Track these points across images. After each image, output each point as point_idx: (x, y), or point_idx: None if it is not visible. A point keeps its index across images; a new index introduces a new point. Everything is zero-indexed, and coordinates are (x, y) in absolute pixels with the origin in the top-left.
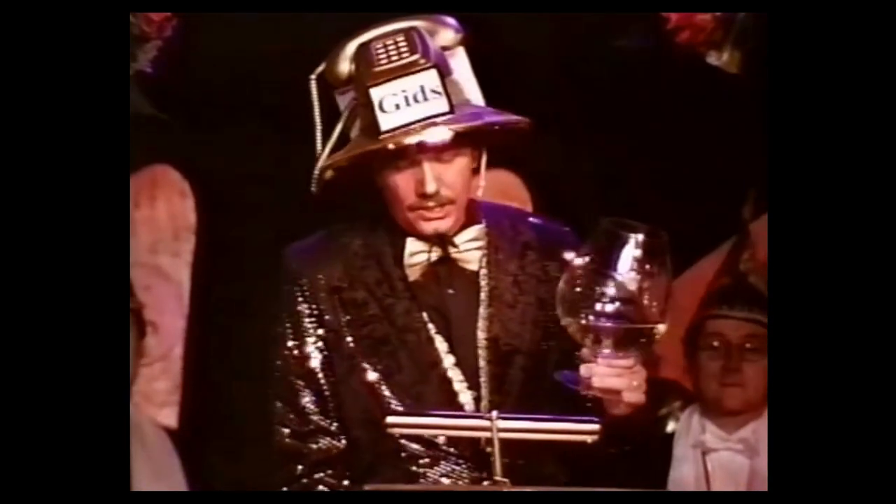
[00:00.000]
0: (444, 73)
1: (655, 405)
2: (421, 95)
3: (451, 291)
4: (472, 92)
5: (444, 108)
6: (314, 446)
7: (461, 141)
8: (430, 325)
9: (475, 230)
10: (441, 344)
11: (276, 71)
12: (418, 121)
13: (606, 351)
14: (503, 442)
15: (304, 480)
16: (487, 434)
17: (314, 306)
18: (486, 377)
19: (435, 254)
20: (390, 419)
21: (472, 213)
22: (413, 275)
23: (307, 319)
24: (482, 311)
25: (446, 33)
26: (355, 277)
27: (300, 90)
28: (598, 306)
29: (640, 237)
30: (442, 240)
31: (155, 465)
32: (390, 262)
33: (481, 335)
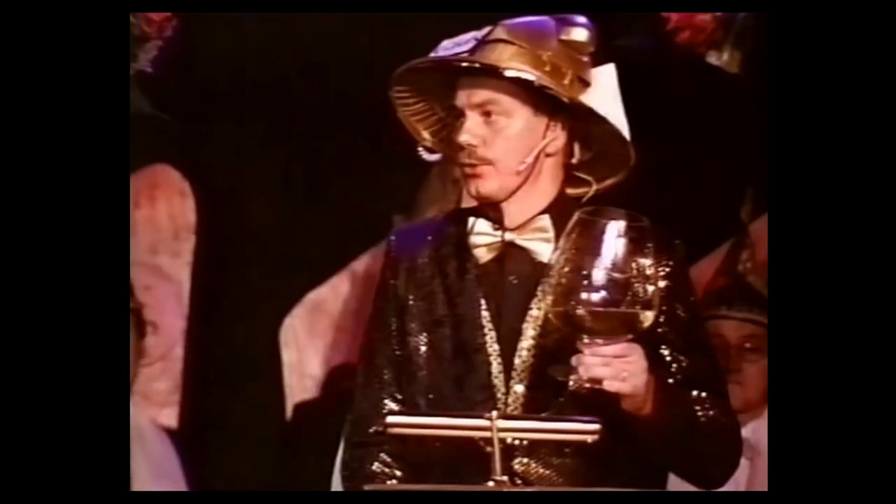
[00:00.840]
0: (510, 34)
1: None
2: (465, 43)
3: (514, 280)
4: (613, 110)
5: (470, 45)
6: (381, 410)
7: (512, 98)
8: (485, 312)
9: (543, 220)
10: (490, 331)
11: (276, 71)
12: (448, 55)
13: (594, 340)
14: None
15: (360, 451)
16: (487, 434)
17: (395, 283)
18: (524, 371)
19: (496, 237)
20: (390, 419)
21: (558, 204)
22: (481, 256)
23: (390, 295)
24: (534, 304)
25: (577, 31)
26: (433, 258)
27: (300, 90)
28: (584, 295)
29: (621, 223)
30: (497, 215)
31: (155, 465)
32: (469, 248)
33: (528, 328)
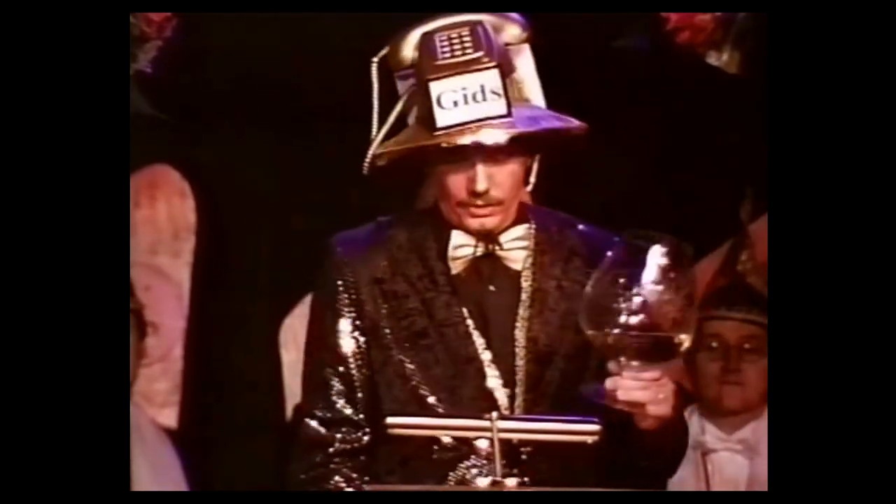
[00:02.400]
0: (505, 72)
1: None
2: (480, 95)
3: (492, 288)
4: (534, 91)
5: (503, 110)
6: (338, 436)
7: (516, 144)
8: (469, 321)
9: (521, 229)
10: (478, 339)
11: (276, 71)
12: (475, 121)
13: (632, 363)
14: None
15: (322, 470)
16: (488, 434)
17: (354, 296)
18: (522, 376)
19: (479, 249)
20: (390, 419)
21: (521, 213)
22: (456, 268)
23: (346, 308)
24: (521, 311)
25: (512, 29)
26: (398, 270)
27: (300, 90)
28: (623, 318)
29: (663, 249)
30: (487, 236)
31: (155, 465)
32: (434, 257)
33: (520, 334)
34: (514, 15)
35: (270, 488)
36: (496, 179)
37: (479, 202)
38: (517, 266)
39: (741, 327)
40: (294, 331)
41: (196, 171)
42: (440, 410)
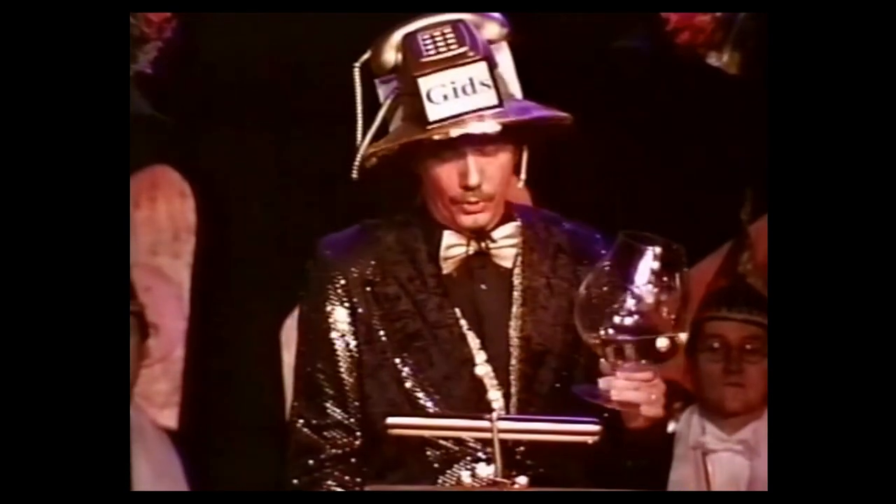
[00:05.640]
0: (492, 65)
1: (669, 418)
2: (470, 87)
3: (483, 287)
4: (514, 86)
5: (494, 100)
6: (329, 441)
7: (505, 136)
8: (463, 322)
9: (511, 227)
10: (473, 341)
11: (276, 71)
12: (467, 112)
13: (626, 364)
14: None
15: (316, 474)
16: (488, 434)
17: (346, 299)
18: (516, 375)
19: (472, 248)
20: (390, 420)
21: (507, 211)
22: (448, 268)
23: (338, 312)
24: (515, 309)
25: (492, 27)
26: (388, 272)
27: (300, 90)
28: (617, 319)
29: (657, 250)
30: (479, 234)
31: (155, 466)
32: (423, 258)
33: (514, 334)
34: (494, 14)
35: (270, 489)
36: (487, 173)
37: (472, 198)
38: (507, 264)
39: (742, 328)
40: (294, 331)
41: (196, 171)
42: (431, 412)
